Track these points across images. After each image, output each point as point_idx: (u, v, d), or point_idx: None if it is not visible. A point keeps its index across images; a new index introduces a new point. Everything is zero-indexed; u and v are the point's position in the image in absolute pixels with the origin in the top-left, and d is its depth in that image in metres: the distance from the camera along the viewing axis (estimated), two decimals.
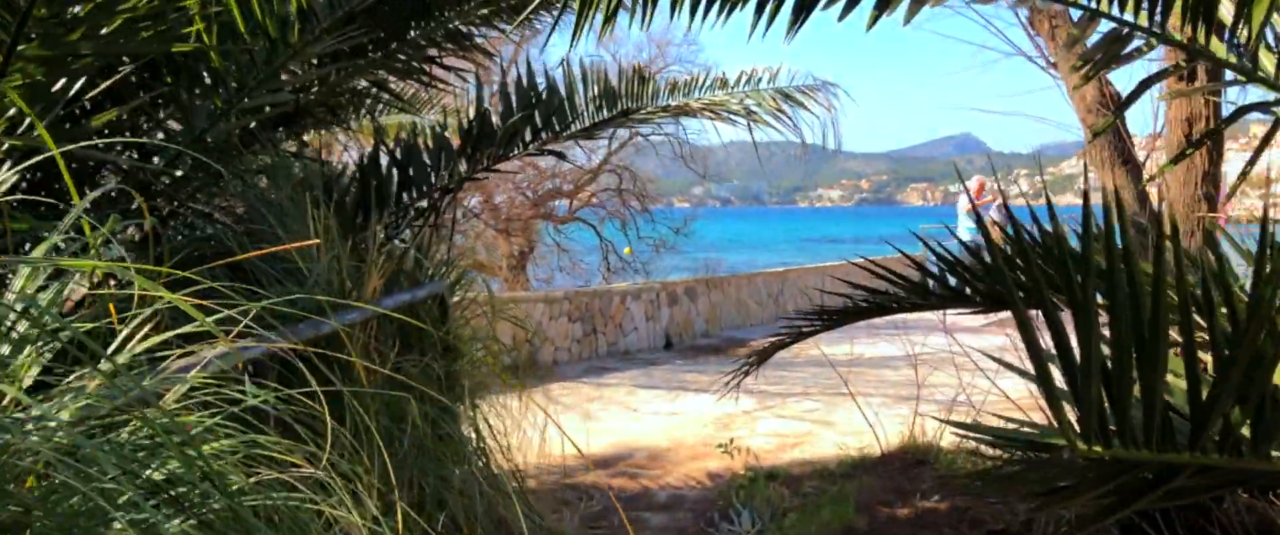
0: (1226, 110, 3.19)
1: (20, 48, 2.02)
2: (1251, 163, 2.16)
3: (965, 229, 13.12)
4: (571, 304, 9.14)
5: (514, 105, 3.44)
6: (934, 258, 2.98)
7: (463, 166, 3.41)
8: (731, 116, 3.55)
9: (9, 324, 1.25)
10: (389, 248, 3.46)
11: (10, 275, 1.43)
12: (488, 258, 12.22)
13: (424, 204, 3.45)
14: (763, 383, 8.19)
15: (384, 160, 3.51)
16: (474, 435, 3.70)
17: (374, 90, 4.02)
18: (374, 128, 3.57)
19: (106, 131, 2.58)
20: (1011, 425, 2.49)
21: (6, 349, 1.23)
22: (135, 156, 2.64)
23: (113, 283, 1.46)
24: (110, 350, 1.34)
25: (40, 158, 1.56)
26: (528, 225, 11.43)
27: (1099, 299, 1.81)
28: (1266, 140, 2.11)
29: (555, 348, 8.95)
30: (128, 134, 2.72)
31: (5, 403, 1.14)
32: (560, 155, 3.57)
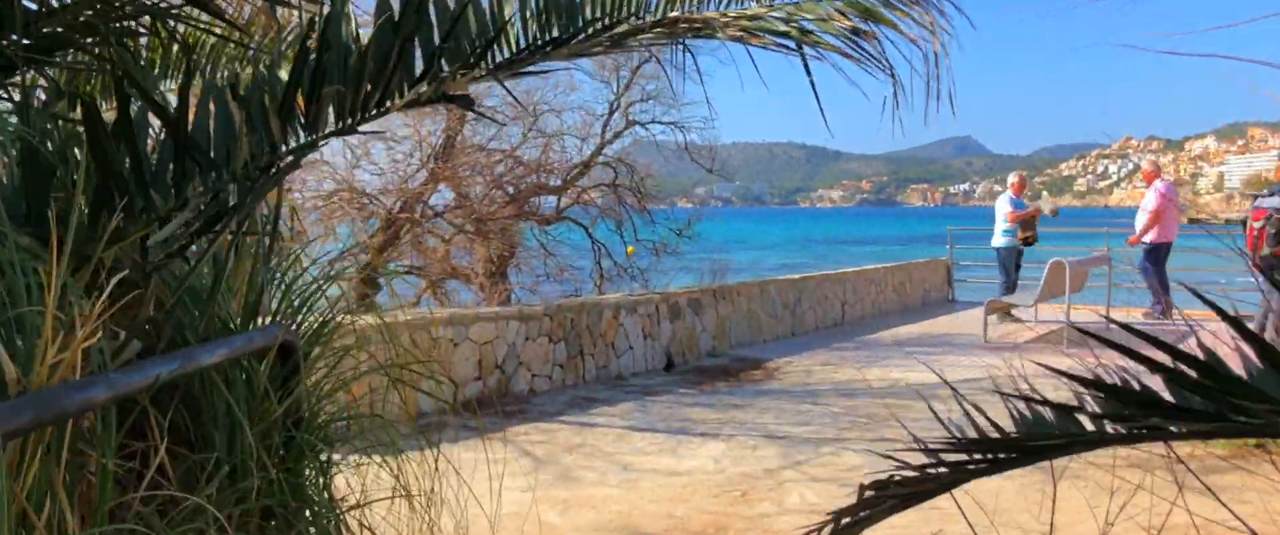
0: None
1: None
2: None
3: (1002, 233, 11.62)
4: (553, 321, 7.60)
5: (396, 20, 1.90)
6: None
7: (298, 125, 1.87)
8: (777, 40, 2.03)
9: None
10: (163, 272, 1.91)
11: None
12: (468, 263, 10.70)
13: (235, 192, 1.89)
14: (785, 421, 6.66)
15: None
16: None
17: (186, 8, 2.47)
18: (112, 57, 2.02)
19: None
20: None
21: None
22: None
23: None
24: None
25: None
26: (507, 225, 9.88)
27: None
28: None
29: (532, 374, 7.40)
30: None
31: None
32: (468, 104, 2.01)
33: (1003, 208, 11.39)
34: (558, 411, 6.82)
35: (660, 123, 10.84)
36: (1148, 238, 11.11)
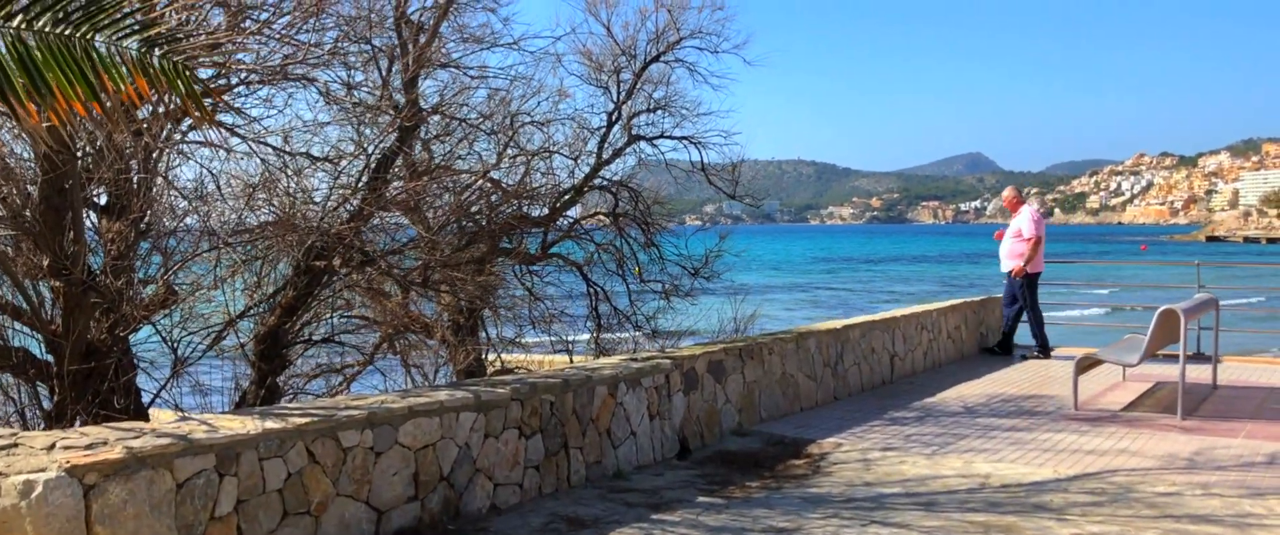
0: None
1: None
2: None
3: None
4: (525, 407, 5.54)
5: None
6: None
7: None
8: None
9: None
10: None
11: None
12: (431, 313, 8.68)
13: None
14: None
15: None
16: None
17: None
18: None
19: None
20: None
21: None
22: None
23: None
24: None
25: None
26: (484, 264, 7.85)
27: None
28: None
29: (494, 484, 5.34)
30: None
31: None
32: None
33: None
34: None
35: (671, 137, 8.82)
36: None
